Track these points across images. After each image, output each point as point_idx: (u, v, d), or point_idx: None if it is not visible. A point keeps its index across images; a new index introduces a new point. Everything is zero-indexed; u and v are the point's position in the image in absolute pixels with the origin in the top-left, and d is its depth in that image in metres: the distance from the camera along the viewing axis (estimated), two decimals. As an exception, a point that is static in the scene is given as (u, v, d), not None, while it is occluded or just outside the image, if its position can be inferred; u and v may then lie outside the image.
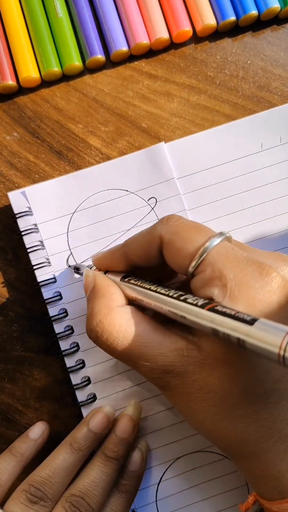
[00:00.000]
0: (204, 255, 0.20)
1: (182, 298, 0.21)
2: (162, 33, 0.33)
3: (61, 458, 0.26)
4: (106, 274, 0.25)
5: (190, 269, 0.21)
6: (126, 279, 0.24)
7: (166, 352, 0.21)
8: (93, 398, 0.29)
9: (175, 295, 0.21)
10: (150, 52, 0.34)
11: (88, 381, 0.29)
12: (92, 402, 0.29)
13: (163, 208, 0.30)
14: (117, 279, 0.24)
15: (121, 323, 0.22)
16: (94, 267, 0.27)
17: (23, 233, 0.30)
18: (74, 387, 0.29)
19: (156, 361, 0.21)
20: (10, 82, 0.32)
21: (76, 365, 0.29)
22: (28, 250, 0.30)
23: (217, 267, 0.20)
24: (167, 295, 0.21)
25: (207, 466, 0.29)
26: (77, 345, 0.29)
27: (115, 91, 0.33)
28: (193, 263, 0.21)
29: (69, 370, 0.29)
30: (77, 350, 0.29)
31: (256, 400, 0.20)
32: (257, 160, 0.31)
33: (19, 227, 0.30)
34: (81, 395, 0.29)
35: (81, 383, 0.29)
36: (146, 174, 0.30)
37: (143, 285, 0.23)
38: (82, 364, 0.29)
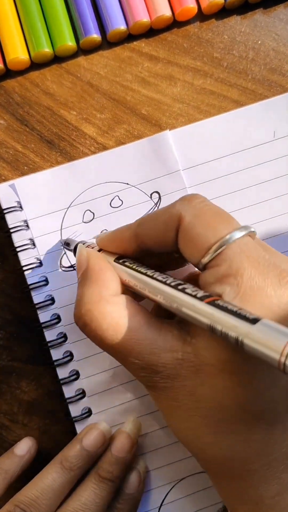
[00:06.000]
0: (222, 248, 0.20)
1: (180, 287, 0.20)
2: (163, 10, 0.32)
3: (50, 477, 0.25)
4: (101, 252, 0.24)
5: (204, 260, 0.20)
6: (120, 260, 0.23)
7: (158, 351, 0.20)
8: (88, 413, 0.28)
9: (172, 283, 0.20)
10: (151, 31, 0.33)
11: (82, 394, 0.28)
12: (86, 417, 0.28)
13: (167, 203, 0.29)
14: (111, 259, 0.24)
15: (113, 315, 0.21)
16: (89, 243, 0.26)
17: (11, 230, 0.29)
18: (67, 400, 0.28)
19: (146, 360, 0.21)
20: (-3, 64, 0.32)
21: (69, 377, 0.29)
22: (17, 249, 0.29)
23: (234, 264, 0.19)
24: (164, 283, 0.21)
25: (213, 488, 0.27)
26: (71, 354, 0.29)
27: (112, 74, 0.33)
28: (209, 255, 0.20)
29: (61, 381, 0.29)
30: (70, 360, 0.29)
31: (249, 419, 0.20)
32: (270, 150, 0.30)
33: (8, 223, 0.29)
34: (74, 410, 0.28)
35: (75, 396, 0.28)
36: (149, 166, 0.30)
37: (139, 269, 0.22)
38: (76, 375, 0.29)
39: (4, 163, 0.31)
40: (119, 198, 0.30)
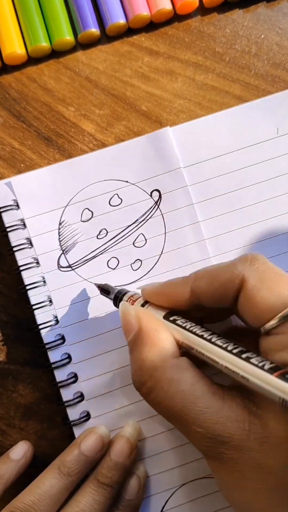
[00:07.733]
0: None
1: (244, 356, 0.20)
2: (164, 4, 0.32)
3: (47, 483, 0.25)
4: (146, 307, 0.24)
5: (269, 325, 0.20)
6: (171, 318, 0.23)
7: (224, 421, 0.20)
8: (87, 416, 0.28)
9: (235, 351, 0.20)
10: (151, 25, 0.33)
11: (81, 397, 0.28)
12: (85, 422, 0.28)
13: (168, 202, 0.29)
14: (160, 316, 0.23)
15: (178, 381, 0.21)
16: (131, 293, 0.25)
17: (8, 230, 0.29)
18: (65, 404, 0.28)
19: (212, 429, 0.20)
20: (-7, 59, 0.32)
21: (67, 379, 0.28)
22: (14, 249, 0.29)
23: None
24: (225, 349, 0.20)
25: (215, 494, 0.28)
26: (69, 356, 0.29)
27: (111, 69, 0.33)
28: (275, 321, 0.20)
29: (59, 385, 0.28)
30: (68, 362, 0.29)
31: None
32: (273, 147, 0.30)
33: (4, 222, 0.29)
34: (72, 413, 0.28)
35: (73, 399, 0.28)
36: (149, 163, 0.30)
37: (194, 330, 0.22)
38: (74, 378, 0.28)
39: (0, 161, 0.31)
40: (119, 197, 0.29)
